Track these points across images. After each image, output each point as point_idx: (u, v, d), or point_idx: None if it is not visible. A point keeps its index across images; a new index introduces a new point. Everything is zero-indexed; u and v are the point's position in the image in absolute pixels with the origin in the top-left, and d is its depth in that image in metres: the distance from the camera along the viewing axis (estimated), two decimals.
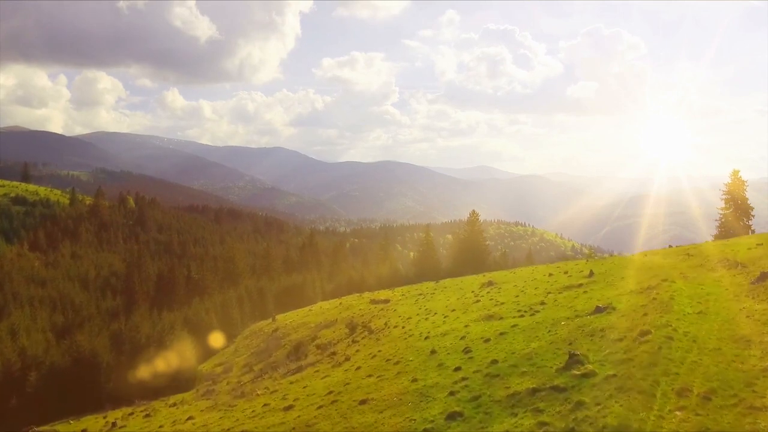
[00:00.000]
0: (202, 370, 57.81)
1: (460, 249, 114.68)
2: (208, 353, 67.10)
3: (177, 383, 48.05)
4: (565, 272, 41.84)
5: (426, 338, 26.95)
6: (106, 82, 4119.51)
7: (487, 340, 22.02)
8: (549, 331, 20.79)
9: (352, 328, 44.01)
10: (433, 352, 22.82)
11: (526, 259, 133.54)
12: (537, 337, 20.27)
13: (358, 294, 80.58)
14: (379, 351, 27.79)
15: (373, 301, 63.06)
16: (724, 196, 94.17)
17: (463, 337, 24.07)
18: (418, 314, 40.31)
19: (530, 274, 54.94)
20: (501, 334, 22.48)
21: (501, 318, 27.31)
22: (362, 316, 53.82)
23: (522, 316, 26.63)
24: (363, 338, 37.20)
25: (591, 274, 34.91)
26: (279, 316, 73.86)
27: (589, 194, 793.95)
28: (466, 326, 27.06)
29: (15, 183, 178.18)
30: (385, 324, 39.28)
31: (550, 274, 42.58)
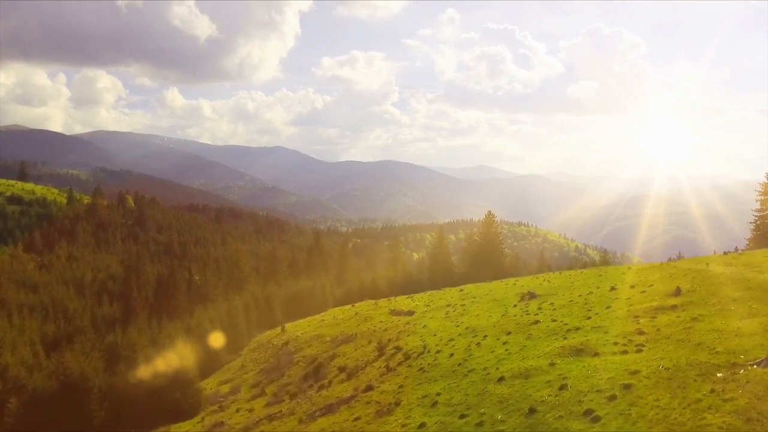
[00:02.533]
0: (206, 389, 52.14)
1: (476, 252, 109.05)
2: (211, 367, 61.44)
3: (179, 407, 42.33)
4: (632, 286, 36.05)
5: (500, 380, 21.12)
6: (105, 81, 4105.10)
7: (612, 398, 16.18)
8: (711, 390, 14.98)
9: (380, 348, 38.24)
10: (532, 411, 17.03)
11: (538, 262, 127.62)
12: (700, 402, 14.32)
13: (372, 301, 74.95)
14: (438, 394, 22.01)
15: (394, 312, 57.40)
16: (760, 197, 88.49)
17: (562, 387, 18.25)
18: (460, 334, 34.58)
19: (572, 283, 49.29)
20: (625, 386, 16.66)
21: (596, 354, 21.51)
22: (386, 330, 48.20)
23: (625, 352, 20.87)
24: (400, 365, 31.44)
25: (678, 291, 29.08)
26: (288, 326, 68.16)
27: (589, 194, 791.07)
28: (551, 363, 21.28)
29: (11, 182, 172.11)
30: (424, 347, 33.52)
31: (613, 288, 36.67)
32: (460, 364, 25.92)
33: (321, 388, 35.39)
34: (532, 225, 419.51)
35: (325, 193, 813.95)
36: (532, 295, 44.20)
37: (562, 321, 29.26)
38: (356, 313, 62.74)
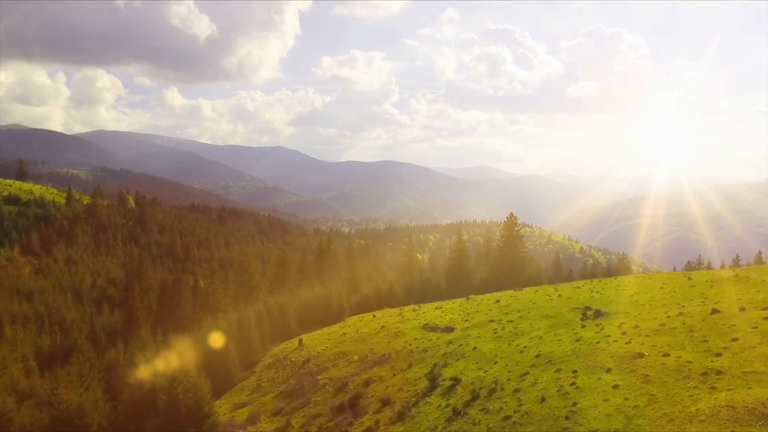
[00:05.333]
0: (219, 414, 46.31)
1: (496, 256, 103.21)
2: (223, 386, 55.50)
3: None
4: (741, 308, 30.14)
5: None
6: (105, 80, 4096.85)
7: None
8: None
9: (431, 378, 32.47)
10: None
11: (553, 267, 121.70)
12: None
13: (395, 310, 69.10)
14: None
15: (428, 327, 51.53)
16: None
17: None
18: (533, 365, 28.85)
19: (635, 297, 43.51)
20: None
21: None
22: (425, 351, 42.40)
23: None
24: (468, 406, 25.73)
25: None
26: (305, 338, 62.34)
27: (590, 194, 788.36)
28: None
29: (8, 181, 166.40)
30: (494, 382, 27.76)
31: (715, 310, 30.79)
32: (567, 417, 20.19)
33: (367, 431, 29.60)
34: (536, 226, 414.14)
35: (325, 193, 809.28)
36: (597, 313, 38.45)
37: (679, 356, 23.46)
38: (382, 327, 56.82)
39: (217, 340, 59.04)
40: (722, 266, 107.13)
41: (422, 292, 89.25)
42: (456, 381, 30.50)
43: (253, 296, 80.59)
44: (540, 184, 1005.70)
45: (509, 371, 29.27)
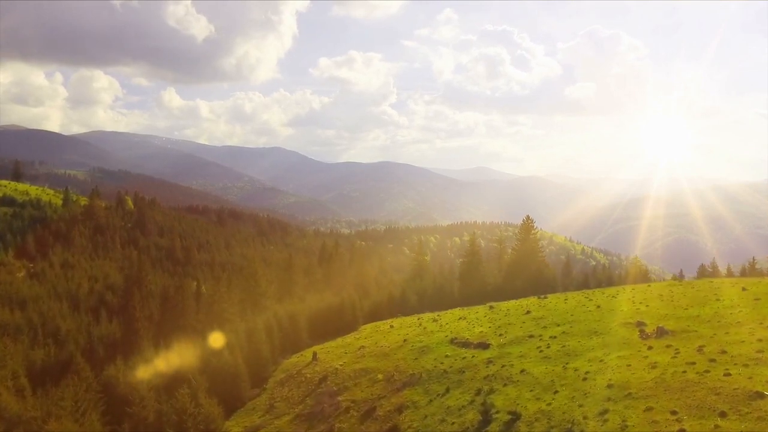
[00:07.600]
0: None
1: (512, 260, 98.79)
2: (233, 405, 51.00)
3: None
4: None
5: None
6: (102, 80, 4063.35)
7: None
8: None
9: (484, 411, 28.05)
10: None
11: (563, 270, 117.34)
12: None
13: (413, 318, 64.98)
14: None
15: (458, 343, 46.99)
16: None
17: None
18: (609, 398, 24.51)
19: (691, 310, 39.22)
20: None
21: None
22: (462, 372, 37.99)
23: None
24: None
25: None
26: (319, 351, 57.90)
27: (589, 195, 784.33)
28: None
29: (4, 182, 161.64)
30: (569, 421, 23.38)
31: None
32: None
33: None
34: (538, 228, 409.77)
35: (323, 194, 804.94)
36: (661, 331, 34.00)
37: None
38: (405, 340, 52.37)
39: (224, 353, 54.66)
40: (743, 272, 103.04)
41: (436, 297, 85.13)
42: (515, 415, 26.08)
43: (260, 303, 75.97)
44: (539, 185, 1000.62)
45: (580, 405, 24.88)
